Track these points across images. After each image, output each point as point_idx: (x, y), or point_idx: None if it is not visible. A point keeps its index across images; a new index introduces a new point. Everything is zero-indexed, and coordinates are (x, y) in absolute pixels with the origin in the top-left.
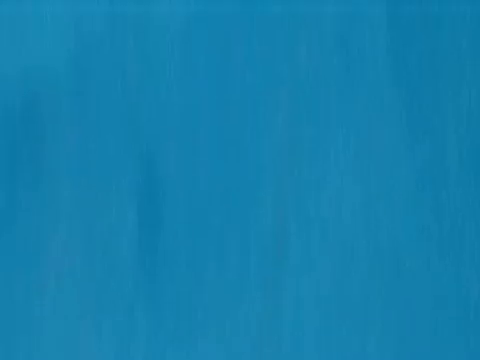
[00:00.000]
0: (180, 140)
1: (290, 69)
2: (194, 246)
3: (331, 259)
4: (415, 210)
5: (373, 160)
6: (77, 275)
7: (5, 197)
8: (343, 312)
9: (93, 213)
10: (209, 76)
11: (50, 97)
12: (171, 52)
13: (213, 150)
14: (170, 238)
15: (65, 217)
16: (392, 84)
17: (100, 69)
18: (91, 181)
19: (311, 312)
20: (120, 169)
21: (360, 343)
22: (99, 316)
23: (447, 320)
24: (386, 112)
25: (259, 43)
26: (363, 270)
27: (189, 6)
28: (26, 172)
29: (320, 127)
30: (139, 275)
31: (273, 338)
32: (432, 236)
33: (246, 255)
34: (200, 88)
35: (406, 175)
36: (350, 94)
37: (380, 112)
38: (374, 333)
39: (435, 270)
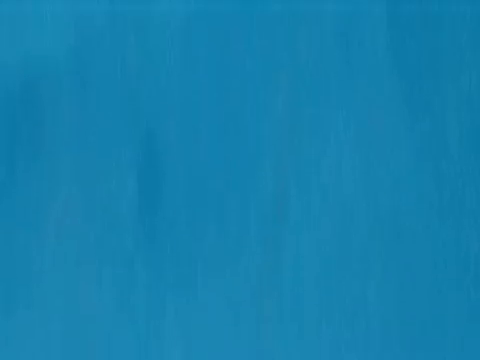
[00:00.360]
0: (181, 111)
1: (290, 59)
2: (194, 208)
3: (331, 220)
4: (415, 176)
5: (373, 131)
6: (77, 232)
7: (6, 167)
8: (343, 266)
9: (93, 179)
10: (210, 66)
11: (51, 77)
12: (172, 42)
13: (214, 119)
14: (170, 203)
15: (65, 183)
16: (391, 67)
17: (101, 56)
18: (91, 151)
19: (311, 266)
20: (121, 138)
21: (360, 294)
22: (99, 268)
23: (446, 275)
24: (386, 90)
25: (259, 38)
26: (363, 229)
27: (189, 4)
28: (27, 144)
29: (321, 104)
30: (139, 232)
31: (273, 288)
32: (432, 199)
33: (246, 215)
34: (201, 77)
35: (406, 144)
36: (350, 78)
37: (380, 92)
38: (374, 287)
39: (434, 229)
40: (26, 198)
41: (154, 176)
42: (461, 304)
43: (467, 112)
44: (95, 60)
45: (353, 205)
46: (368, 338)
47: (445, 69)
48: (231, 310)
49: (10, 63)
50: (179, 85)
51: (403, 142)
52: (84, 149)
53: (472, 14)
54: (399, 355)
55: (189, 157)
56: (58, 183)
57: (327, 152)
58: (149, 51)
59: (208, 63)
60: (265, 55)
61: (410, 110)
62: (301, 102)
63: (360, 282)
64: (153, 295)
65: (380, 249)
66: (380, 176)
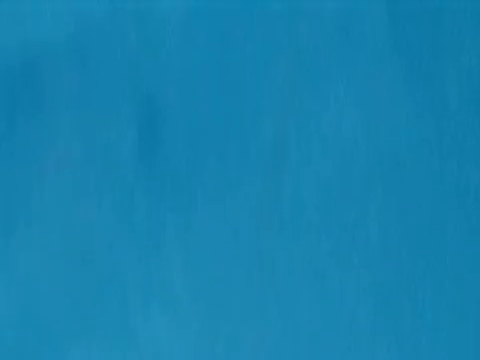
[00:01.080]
0: (182, 71)
1: (290, 42)
2: (194, 153)
3: (331, 161)
4: (415, 124)
5: (373, 89)
6: (76, 169)
7: (6, 123)
8: (343, 192)
9: (93, 127)
10: (211, 44)
11: (53, 50)
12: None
13: (215, 78)
14: (170, 150)
15: (65, 131)
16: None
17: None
18: (91, 107)
19: (310, 196)
20: (122, 94)
21: (360, 216)
22: (99, 196)
23: (447, 208)
24: (385, 65)
25: (260, 23)
26: (363, 167)
27: (189, 2)
28: (27, 103)
29: (321, 72)
30: (139, 170)
31: (273, 209)
32: (432, 140)
33: (246, 157)
34: (202, 52)
35: (406, 99)
36: (350, 56)
37: (380, 63)
38: (374, 215)
39: (435, 168)
40: (27, 142)
41: (154, 131)
42: (462, 230)
43: (467, 75)
44: (96, 36)
45: (353, 148)
46: (368, 253)
47: (445, 34)
48: (230, 227)
49: (12, 34)
50: (181, 53)
51: (402, 92)
52: (84, 106)
53: (473, 9)
54: (399, 269)
55: (189, 110)
56: (58, 132)
57: (327, 105)
58: (151, 24)
59: (209, 43)
60: (266, 41)
61: (408, 71)
62: (301, 77)
63: (361, 211)
64: (153, 216)
65: (381, 178)
66: (380, 124)
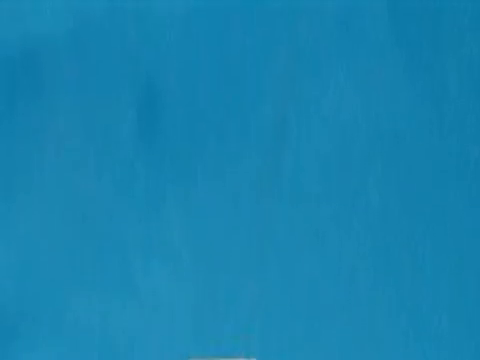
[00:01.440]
0: (182, 56)
1: (290, 35)
2: (193, 131)
3: (331, 138)
4: (415, 106)
5: (373, 77)
6: (76, 145)
7: (6, 104)
8: (343, 168)
9: (93, 108)
10: (211, 35)
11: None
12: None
13: (215, 58)
14: (169, 128)
15: (64, 113)
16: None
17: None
18: (90, 91)
19: (311, 171)
20: (122, 78)
21: (360, 190)
22: (99, 168)
23: (447, 178)
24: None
25: (260, 17)
26: (363, 144)
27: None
28: (27, 87)
29: (321, 61)
30: (139, 144)
31: (273, 185)
32: (433, 120)
33: (246, 132)
34: (202, 42)
35: (406, 85)
36: (350, 47)
37: (380, 51)
38: (374, 185)
39: (435, 144)
40: (27, 121)
41: (154, 111)
42: (461, 193)
43: (467, 66)
44: (96, 27)
45: (353, 125)
46: (368, 217)
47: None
48: (230, 196)
49: (11, 22)
50: (182, 40)
51: (402, 79)
52: (84, 91)
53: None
54: (399, 230)
55: (189, 92)
56: (58, 112)
57: (328, 90)
58: (152, 16)
59: (210, 31)
60: (266, 35)
61: (408, 61)
62: (301, 66)
63: (360, 177)
64: (152, 186)
65: (381, 154)
66: (380, 102)
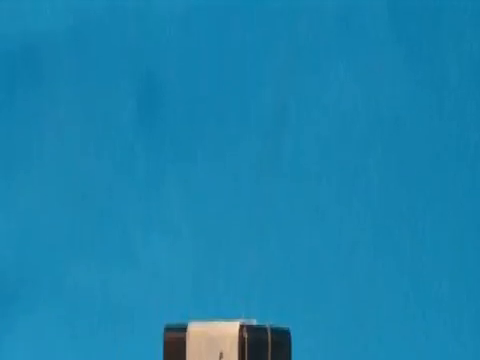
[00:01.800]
0: (182, 47)
1: (290, 31)
2: (193, 116)
3: (331, 123)
4: (415, 93)
5: (373, 68)
6: (76, 130)
7: (6, 93)
8: (343, 150)
9: (92, 98)
10: (211, 29)
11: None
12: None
13: (215, 48)
14: (169, 114)
15: (63, 101)
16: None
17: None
18: (90, 81)
19: (311, 153)
20: (120, 69)
21: (360, 170)
22: (99, 148)
23: (447, 158)
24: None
25: (260, 15)
26: (363, 128)
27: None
28: (27, 77)
29: (321, 54)
30: (139, 128)
31: (273, 166)
32: (432, 106)
33: (246, 117)
34: (201, 35)
35: (406, 74)
36: (350, 42)
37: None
38: (374, 166)
39: (435, 128)
40: (27, 107)
41: (154, 98)
42: (464, 177)
43: (467, 60)
44: (96, 21)
45: (353, 111)
46: (368, 195)
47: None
48: (230, 175)
49: (12, 18)
50: (182, 30)
51: (402, 69)
52: (84, 81)
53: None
54: (399, 207)
55: (190, 81)
56: (57, 99)
57: (328, 80)
58: (152, 8)
59: (210, 22)
60: (266, 30)
61: (408, 53)
62: (301, 59)
63: (360, 159)
64: (152, 166)
65: (381, 137)
66: (379, 90)
